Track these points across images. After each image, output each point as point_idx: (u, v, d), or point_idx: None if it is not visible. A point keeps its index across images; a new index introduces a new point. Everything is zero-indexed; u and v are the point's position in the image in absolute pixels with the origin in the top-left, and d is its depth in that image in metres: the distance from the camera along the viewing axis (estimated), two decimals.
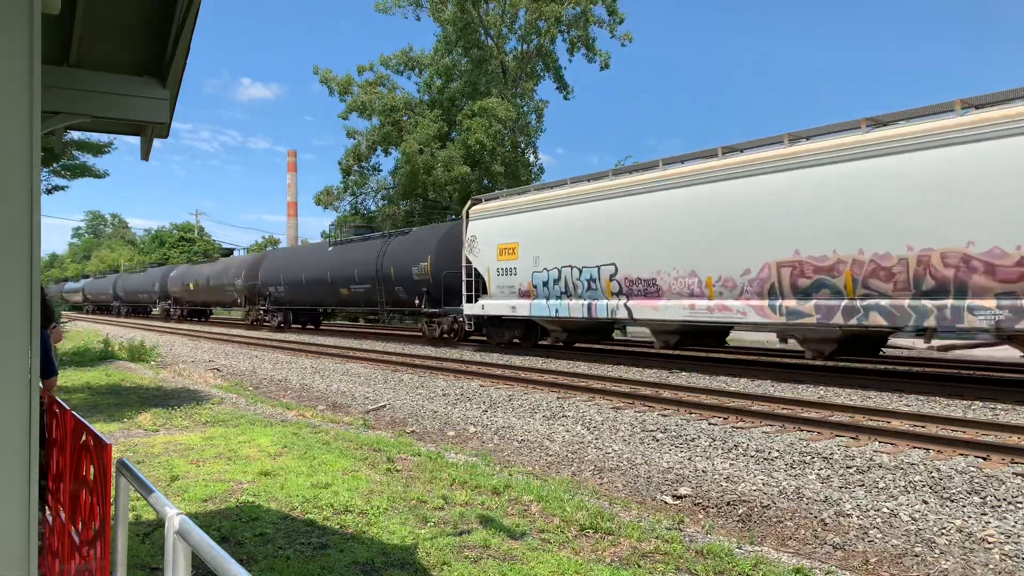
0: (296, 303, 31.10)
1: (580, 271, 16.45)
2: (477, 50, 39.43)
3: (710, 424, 8.91)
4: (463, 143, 36.93)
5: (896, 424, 8.43)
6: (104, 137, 16.27)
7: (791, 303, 12.25)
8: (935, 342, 11.90)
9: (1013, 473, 6.29)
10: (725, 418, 9.23)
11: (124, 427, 8.87)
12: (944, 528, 5.43)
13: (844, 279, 11.50)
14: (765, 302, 12.65)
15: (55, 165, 16.44)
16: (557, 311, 16.99)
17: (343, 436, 8.34)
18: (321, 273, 27.69)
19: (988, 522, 5.44)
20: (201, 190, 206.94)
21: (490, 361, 16.81)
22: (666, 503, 6.62)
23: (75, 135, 15.01)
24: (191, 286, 40.21)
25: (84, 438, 2.67)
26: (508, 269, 18.53)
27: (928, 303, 10.51)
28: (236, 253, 47.29)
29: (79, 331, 34.35)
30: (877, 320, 11.07)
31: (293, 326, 32.45)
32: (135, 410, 10.16)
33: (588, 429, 9.18)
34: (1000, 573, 4.78)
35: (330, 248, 28.56)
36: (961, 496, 5.97)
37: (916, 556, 5.12)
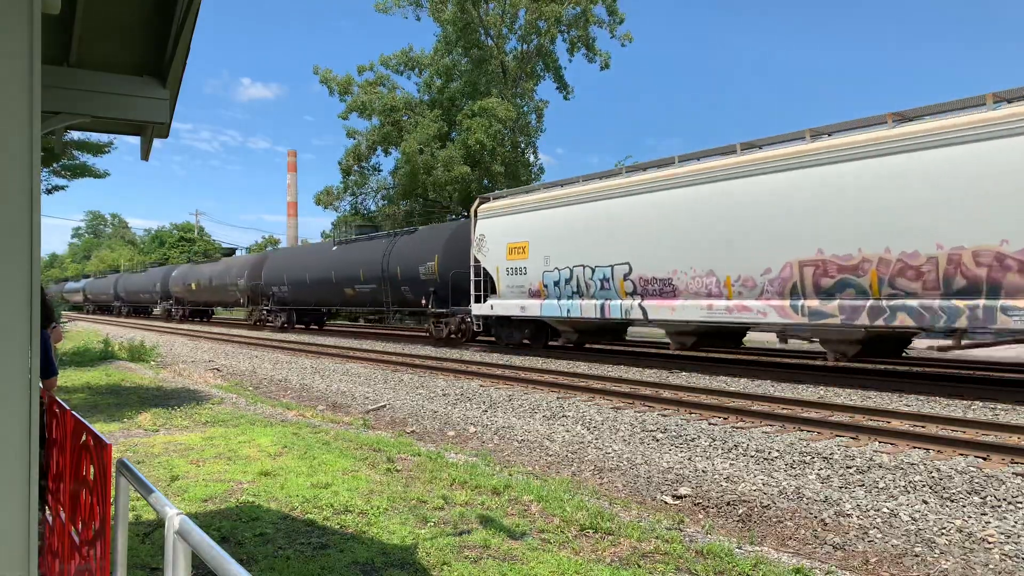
0: (300, 303, 30.82)
1: (593, 270, 16.16)
2: (477, 50, 39.42)
3: (710, 424, 8.91)
4: (463, 143, 36.92)
5: (896, 424, 8.43)
6: (104, 137, 16.28)
7: (814, 303, 11.97)
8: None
9: (1013, 473, 6.29)
10: (725, 418, 9.23)
11: (124, 427, 8.87)
12: (944, 528, 5.43)
13: (870, 278, 11.23)
14: (786, 302, 12.38)
15: (55, 165, 16.44)
16: (569, 311, 16.71)
17: (343, 436, 8.34)
18: (325, 273, 27.41)
19: (988, 522, 5.44)
20: (201, 190, 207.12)
21: (490, 361, 16.81)
22: (666, 503, 6.62)
23: (75, 135, 15.01)
24: (193, 286, 40.07)
25: (84, 438, 2.67)
26: (518, 268, 18.26)
27: (959, 303, 10.21)
28: (237, 253, 47.19)
29: (79, 331, 34.35)
30: (905, 321, 10.79)
31: (296, 326, 32.16)
32: (135, 410, 10.16)
33: (588, 429, 9.18)
34: (1000, 573, 4.78)
35: (334, 248, 28.24)
36: (961, 496, 5.97)
37: (916, 556, 5.12)
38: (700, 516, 6.28)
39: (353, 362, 17.57)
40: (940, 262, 10.46)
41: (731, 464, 7.33)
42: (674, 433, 8.56)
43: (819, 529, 5.73)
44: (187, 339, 28.16)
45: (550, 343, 19.38)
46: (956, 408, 9.58)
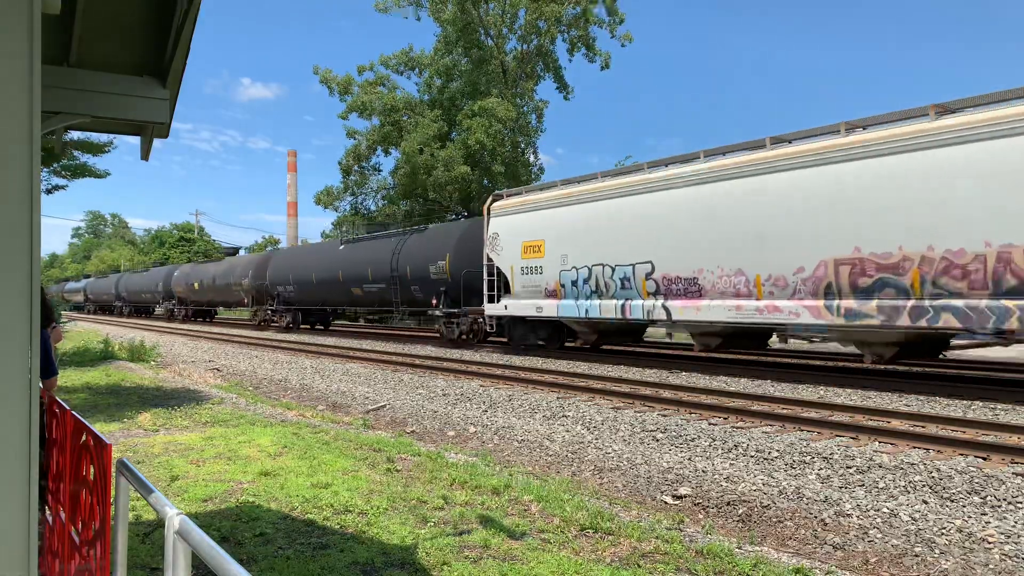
0: (306, 303, 30.34)
1: (613, 270, 15.67)
2: (477, 50, 39.44)
3: (710, 424, 8.91)
4: (463, 143, 36.94)
5: (896, 424, 8.43)
6: (104, 137, 16.28)
7: (850, 303, 11.46)
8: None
9: (1013, 473, 6.29)
10: (725, 418, 9.23)
11: (124, 427, 8.87)
12: (944, 528, 5.43)
13: (911, 277, 10.77)
14: (821, 302, 11.88)
15: (55, 165, 16.43)
16: (587, 312, 16.23)
17: (343, 436, 8.34)
18: (332, 272, 26.91)
19: (988, 522, 5.44)
20: (201, 190, 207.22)
21: (490, 361, 16.81)
22: (666, 503, 6.62)
23: (75, 135, 15.01)
24: (196, 286, 39.80)
25: (84, 438, 2.67)
26: (533, 268, 17.77)
27: (1009, 303, 9.77)
28: (239, 253, 47.03)
29: (80, 331, 34.35)
30: (950, 322, 10.33)
31: (302, 327, 31.66)
32: (135, 410, 10.16)
33: (588, 429, 9.18)
34: (1000, 573, 4.78)
35: (341, 246, 27.76)
36: (961, 496, 5.97)
37: (916, 556, 5.13)
38: (700, 516, 6.28)
39: (353, 362, 17.57)
40: (988, 260, 10.00)
41: (731, 464, 7.33)
42: (674, 433, 8.56)
43: (819, 529, 5.73)
44: (187, 339, 28.16)
45: (566, 344, 18.82)
46: (956, 408, 9.58)
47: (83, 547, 2.60)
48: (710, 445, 7.98)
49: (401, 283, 23.07)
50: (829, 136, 12.20)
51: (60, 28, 3.73)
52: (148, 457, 7.03)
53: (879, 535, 5.47)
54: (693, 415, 9.53)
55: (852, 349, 17.21)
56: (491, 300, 19.01)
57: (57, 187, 17.81)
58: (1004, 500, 5.80)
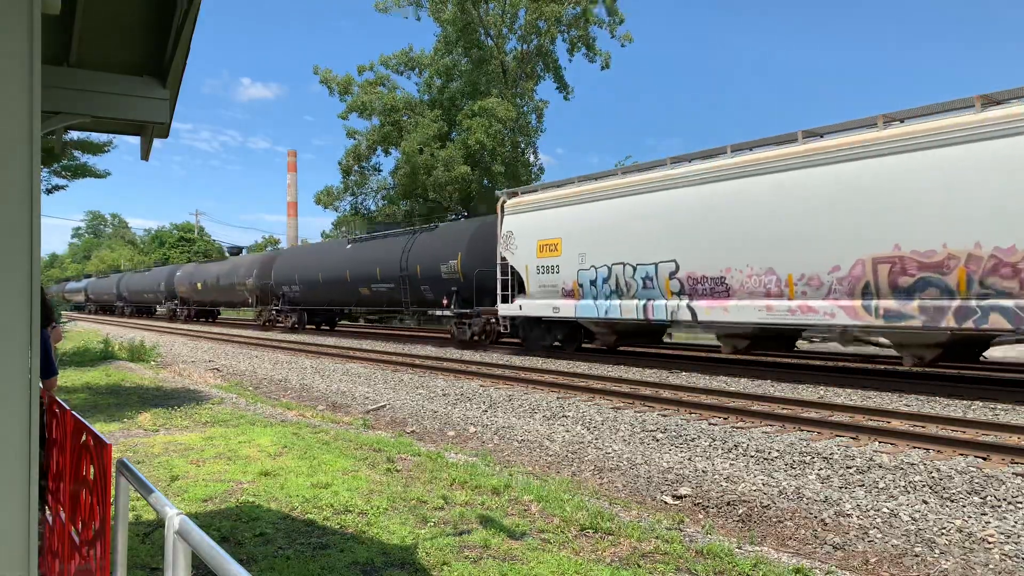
0: (312, 303, 29.81)
1: (634, 269, 15.17)
2: (477, 50, 39.47)
3: (710, 424, 8.91)
4: (463, 143, 36.97)
5: (896, 424, 8.43)
6: (104, 137, 16.28)
7: (890, 303, 11.00)
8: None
9: (1013, 473, 6.29)
10: (725, 418, 9.24)
11: (124, 427, 8.87)
12: (944, 528, 5.43)
13: (956, 276, 10.32)
14: (858, 302, 11.41)
15: (55, 165, 16.44)
16: (607, 312, 15.73)
17: (343, 436, 8.34)
18: (339, 272, 26.40)
19: (988, 522, 5.44)
20: (201, 190, 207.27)
21: (490, 361, 16.81)
22: (666, 503, 6.62)
23: (75, 135, 15.01)
24: (199, 286, 39.48)
25: (84, 438, 2.68)
26: (549, 267, 17.29)
27: None
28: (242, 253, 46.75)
29: (80, 331, 34.35)
30: (999, 323, 9.88)
31: (308, 327, 31.16)
32: (135, 410, 10.16)
33: (588, 429, 9.18)
34: (1000, 573, 4.78)
35: (349, 245, 27.24)
36: (961, 496, 5.97)
37: (916, 556, 5.13)
38: (700, 516, 6.28)
39: (353, 362, 17.57)
40: None
41: (731, 464, 7.33)
42: (674, 433, 8.56)
43: (819, 529, 5.73)
44: (187, 339, 28.16)
45: (584, 346, 18.38)
46: (956, 408, 9.58)
47: (83, 547, 2.60)
48: (710, 445, 7.98)
49: (411, 283, 22.57)
50: (864, 130, 11.73)
51: (60, 28, 3.73)
52: (148, 457, 7.03)
53: (879, 535, 5.47)
54: (693, 415, 9.53)
55: (852, 349, 17.28)
56: (505, 300, 18.53)
57: (57, 187, 17.81)
58: (1004, 500, 5.80)
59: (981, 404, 9.81)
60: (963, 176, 10.28)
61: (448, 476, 6.36)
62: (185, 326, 38.43)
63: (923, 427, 8.16)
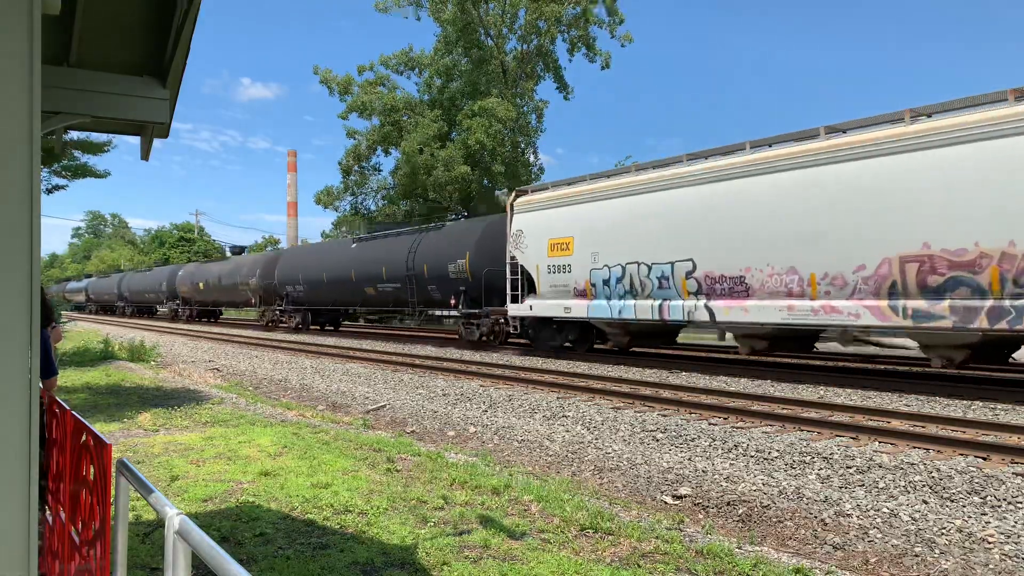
0: (316, 303, 29.52)
1: (649, 268, 14.85)
2: (477, 50, 39.45)
3: (710, 424, 8.91)
4: (463, 143, 36.95)
5: (896, 424, 8.43)
6: (104, 137, 16.28)
7: (918, 303, 10.68)
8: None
9: (1013, 473, 6.29)
10: (725, 418, 9.24)
11: (124, 427, 8.87)
12: (944, 528, 5.43)
13: (989, 276, 10.01)
14: (884, 302, 11.08)
15: (55, 165, 16.44)
16: (621, 312, 15.40)
17: (343, 436, 8.35)
18: (344, 271, 26.12)
19: (988, 522, 5.44)
20: (201, 190, 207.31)
21: (490, 361, 16.81)
22: (666, 503, 6.62)
23: (75, 135, 15.02)
24: (201, 285, 39.27)
25: (84, 438, 2.68)
26: (561, 266, 16.93)
27: None
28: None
29: (80, 331, 34.35)
30: None
31: (312, 327, 30.92)
32: (135, 410, 10.16)
33: (588, 429, 9.18)
34: (1000, 573, 4.78)
35: (354, 245, 26.98)
36: (961, 496, 5.98)
37: (916, 556, 5.13)
38: (700, 516, 6.28)
39: (353, 362, 17.57)
40: None
41: (731, 464, 7.33)
42: (674, 433, 8.56)
43: (819, 529, 5.73)
44: (187, 339, 28.16)
45: (596, 346, 18.08)
46: (956, 408, 9.58)
47: (83, 547, 2.60)
48: (710, 445, 7.98)
49: (418, 282, 22.31)
50: (891, 125, 11.40)
51: (60, 28, 3.73)
52: (148, 457, 7.04)
53: (879, 535, 5.47)
54: (693, 415, 9.53)
55: (852, 349, 17.27)
56: (514, 300, 18.19)
57: (57, 187, 17.82)
58: (1004, 500, 5.80)
59: (981, 404, 9.81)
60: (994, 173, 9.99)
61: (448, 476, 6.36)
62: (186, 326, 38.35)
63: (923, 427, 8.16)
